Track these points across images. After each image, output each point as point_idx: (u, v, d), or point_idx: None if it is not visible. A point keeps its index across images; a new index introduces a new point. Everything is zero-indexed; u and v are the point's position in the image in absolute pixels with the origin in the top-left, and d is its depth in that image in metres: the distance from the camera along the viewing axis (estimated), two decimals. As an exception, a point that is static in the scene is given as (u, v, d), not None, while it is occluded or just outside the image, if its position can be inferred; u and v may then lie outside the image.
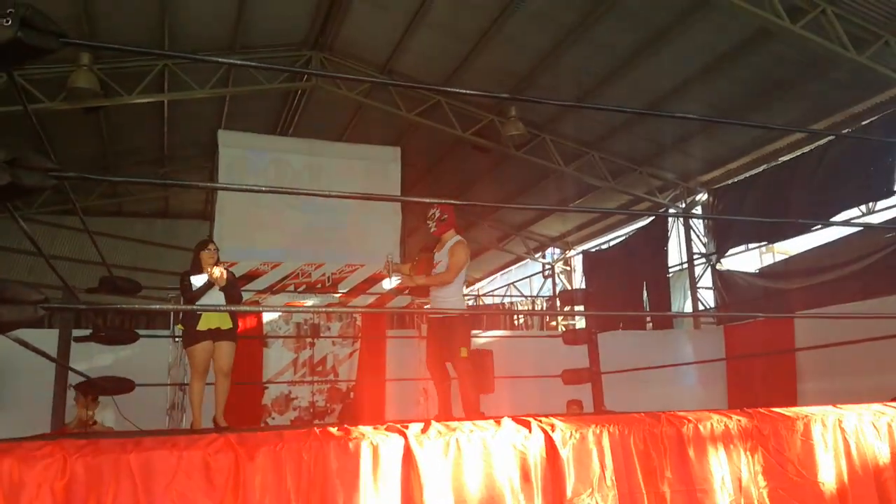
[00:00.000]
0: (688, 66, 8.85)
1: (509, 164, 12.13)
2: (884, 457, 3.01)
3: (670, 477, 2.64)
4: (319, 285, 9.69)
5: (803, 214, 9.50)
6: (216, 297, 5.07)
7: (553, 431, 2.54)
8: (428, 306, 5.22)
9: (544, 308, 16.10)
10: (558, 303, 14.70)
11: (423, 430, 2.42)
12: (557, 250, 16.62)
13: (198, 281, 5.06)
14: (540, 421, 2.61)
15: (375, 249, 10.27)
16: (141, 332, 6.33)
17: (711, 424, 2.81)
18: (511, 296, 18.03)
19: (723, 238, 11.79)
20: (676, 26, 8.12)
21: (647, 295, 12.14)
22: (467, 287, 19.56)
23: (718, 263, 11.90)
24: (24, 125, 8.48)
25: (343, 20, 9.32)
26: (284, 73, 10.12)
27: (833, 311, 8.34)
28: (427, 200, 14.16)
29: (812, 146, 10.03)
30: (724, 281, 11.71)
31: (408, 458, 2.33)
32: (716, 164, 11.44)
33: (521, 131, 10.37)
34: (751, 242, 11.69)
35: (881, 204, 9.52)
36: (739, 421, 2.89)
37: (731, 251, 11.85)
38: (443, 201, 13.11)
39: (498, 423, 2.57)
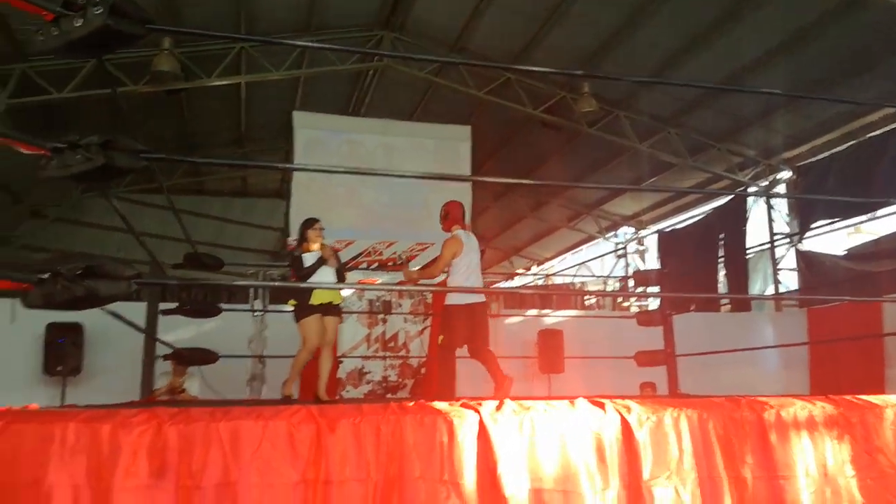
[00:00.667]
0: (771, 36, 8.44)
1: (581, 141, 11.92)
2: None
3: (751, 462, 2.57)
4: (391, 263, 9.82)
5: (892, 193, 9.00)
6: (327, 273, 5.22)
7: (629, 413, 2.52)
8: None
9: (616, 289, 15.85)
10: (631, 283, 14.43)
11: (498, 408, 2.44)
12: (631, 229, 16.27)
13: (310, 259, 5.22)
14: (615, 402, 2.58)
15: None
16: (223, 306, 6.58)
17: (794, 411, 2.72)
18: (582, 276, 17.80)
19: (806, 215, 11.30)
20: (760, -6, 7.77)
21: (725, 276, 11.78)
22: (537, 266, 19.47)
23: (801, 244, 11.41)
24: (112, 108, 8.92)
25: (414, 0, 9.33)
26: (357, 54, 10.23)
27: (927, 294, 7.90)
28: (496, 180, 14.18)
29: (905, 120, 9.45)
30: (807, 262, 11.23)
31: (482, 434, 2.35)
32: (800, 139, 10.91)
33: (594, 108, 10.15)
34: (835, 218, 11.14)
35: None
36: (824, 408, 2.79)
37: (814, 229, 11.33)
38: (511, 181, 13.02)
39: (572, 403, 2.56)
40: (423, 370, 9.25)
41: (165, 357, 5.75)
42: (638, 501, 2.40)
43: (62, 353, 8.07)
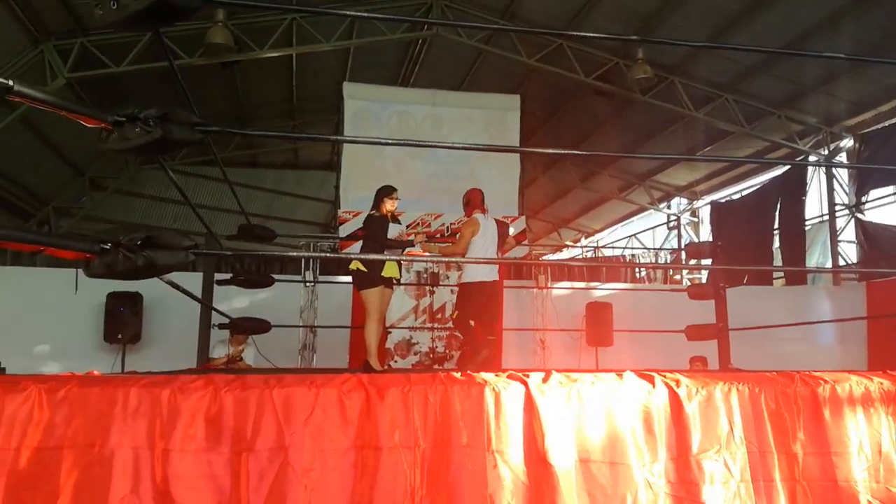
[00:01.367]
0: (837, -3, 8.07)
1: (634, 109, 11.66)
2: None
3: (803, 438, 2.53)
4: (438, 235, 9.85)
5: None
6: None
7: (678, 387, 2.50)
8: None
9: (668, 261, 15.58)
10: (684, 255, 14.16)
11: (545, 380, 2.45)
12: (684, 200, 15.89)
13: (394, 230, 5.26)
14: (664, 376, 2.56)
15: (494, 200, 10.29)
16: (276, 276, 6.71)
17: (850, 386, 2.65)
18: (632, 248, 17.54)
19: (863, 183, 10.88)
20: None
21: (780, 248, 11.45)
22: (586, 238, 19.27)
23: (862, 214, 10.99)
24: (168, 80, 9.10)
25: (464, -34, 9.22)
26: (406, 23, 10.18)
27: None
28: (545, 151, 13.99)
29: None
30: (868, 233, 10.82)
31: (529, 405, 2.37)
32: (864, 106, 10.43)
33: (649, 74, 9.90)
34: (891, 185, 10.69)
35: None
36: (881, 384, 2.71)
37: (875, 200, 10.90)
38: (561, 151, 12.79)
39: (620, 376, 2.55)
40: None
41: (221, 326, 5.91)
42: (686, 474, 2.39)
43: (122, 322, 8.36)
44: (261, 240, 5.81)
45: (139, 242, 2.11)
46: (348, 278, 6.71)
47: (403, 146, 9.40)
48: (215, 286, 5.89)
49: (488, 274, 5.55)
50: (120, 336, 8.36)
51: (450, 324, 9.35)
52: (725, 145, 12.29)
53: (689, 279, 12.50)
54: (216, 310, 5.58)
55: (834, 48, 8.63)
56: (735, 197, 13.72)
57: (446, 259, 9.89)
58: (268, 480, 2.08)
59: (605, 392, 2.45)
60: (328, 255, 5.33)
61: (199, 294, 5.58)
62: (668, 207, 16.31)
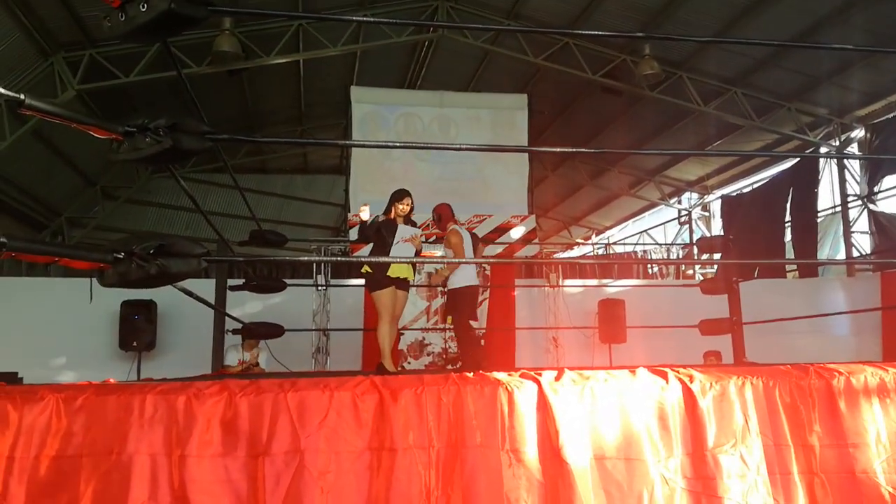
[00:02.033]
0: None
1: (643, 105, 11.63)
2: None
3: (819, 431, 2.51)
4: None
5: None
6: (406, 249, 5.26)
7: (691, 382, 2.49)
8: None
9: (679, 256, 15.51)
10: (696, 250, 14.09)
11: (557, 378, 2.45)
12: (695, 195, 15.82)
13: (405, 233, 5.28)
14: (677, 371, 2.56)
15: (503, 199, 10.32)
16: (287, 281, 6.74)
17: (865, 377, 2.64)
18: (643, 244, 17.48)
19: (874, 172, 10.79)
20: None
21: (792, 241, 11.36)
22: (596, 235, 19.22)
23: (874, 204, 10.89)
24: (177, 89, 9.15)
25: (468, -33, 9.23)
26: (412, 26, 10.20)
27: None
28: (553, 150, 13.99)
29: None
30: (882, 224, 10.72)
31: (542, 404, 2.37)
32: (875, 96, 10.35)
33: (656, 70, 9.85)
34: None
35: None
36: (898, 375, 2.69)
37: (887, 187, 10.79)
38: (569, 149, 12.79)
39: (633, 372, 2.55)
40: (482, 342, 9.32)
41: (234, 331, 5.94)
42: (702, 469, 2.38)
43: (137, 330, 8.43)
44: (272, 245, 5.85)
45: (152, 251, 2.13)
46: (360, 281, 6.74)
47: (411, 148, 9.42)
48: (228, 292, 5.93)
49: (475, 279, 5.94)
50: (135, 344, 8.42)
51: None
52: (735, 139, 12.22)
53: (702, 274, 12.44)
54: (230, 315, 5.62)
55: (844, 39, 8.56)
56: (746, 190, 13.64)
57: (459, 261, 9.89)
58: (284, 484, 2.10)
59: (619, 389, 2.45)
60: (339, 258, 5.37)
61: (212, 300, 5.62)
62: (679, 202, 16.23)
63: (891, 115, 10.46)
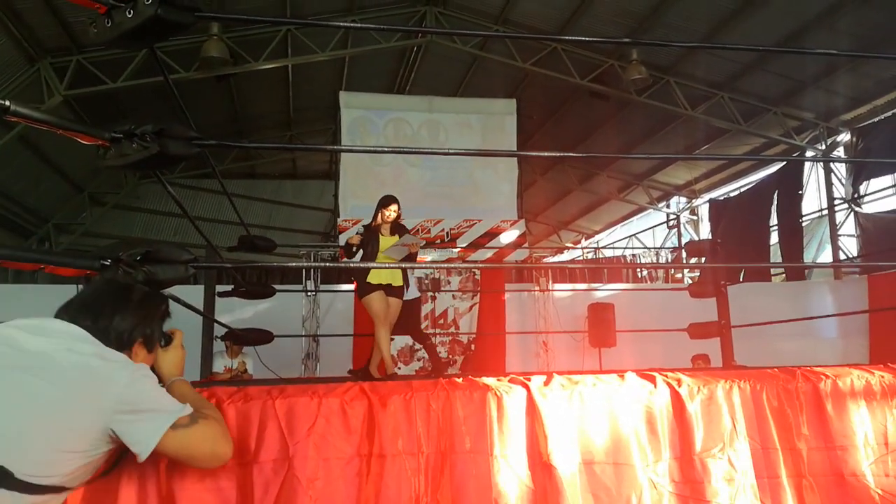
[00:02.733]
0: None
1: (631, 110, 11.70)
2: None
3: (807, 434, 2.52)
4: (438, 241, 9.88)
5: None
6: (391, 254, 5.27)
7: (679, 386, 2.49)
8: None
9: (668, 260, 15.58)
10: (684, 254, 14.17)
11: (546, 383, 2.45)
12: (683, 199, 15.91)
13: (407, 240, 5.29)
14: (665, 376, 2.56)
15: (493, 204, 10.34)
16: (277, 287, 6.72)
17: (852, 380, 2.65)
18: (632, 248, 17.56)
19: (858, 174, 10.90)
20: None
21: (779, 244, 11.45)
22: (586, 239, 19.29)
23: (860, 207, 10.98)
24: (165, 95, 9.12)
25: (456, -28, 9.26)
26: (400, 32, 10.22)
27: None
28: (541, 154, 14.02)
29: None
30: (867, 227, 10.81)
31: (531, 409, 2.37)
32: (860, 101, 10.47)
33: (644, 75, 9.93)
34: (885, 175, 10.68)
35: None
36: (883, 377, 2.71)
37: (873, 190, 10.89)
38: (557, 154, 12.90)
39: (622, 377, 2.55)
40: (472, 347, 9.32)
41: (221, 337, 5.91)
42: (691, 473, 2.39)
43: (126, 336, 8.34)
44: (261, 251, 5.82)
45: (139, 258, 2.12)
46: (349, 287, 6.74)
47: (400, 153, 9.42)
48: (217, 298, 5.89)
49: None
50: (123, 351, 8.33)
51: (452, 329, 9.37)
52: (723, 143, 12.32)
53: (691, 277, 12.51)
54: (219, 322, 5.59)
55: (830, 44, 8.65)
56: (733, 194, 13.73)
57: (448, 266, 9.90)
58: (273, 492, 2.08)
59: (607, 393, 2.45)
60: (328, 264, 5.36)
61: (201, 307, 5.58)
62: (668, 206, 16.32)
63: (876, 119, 10.57)
